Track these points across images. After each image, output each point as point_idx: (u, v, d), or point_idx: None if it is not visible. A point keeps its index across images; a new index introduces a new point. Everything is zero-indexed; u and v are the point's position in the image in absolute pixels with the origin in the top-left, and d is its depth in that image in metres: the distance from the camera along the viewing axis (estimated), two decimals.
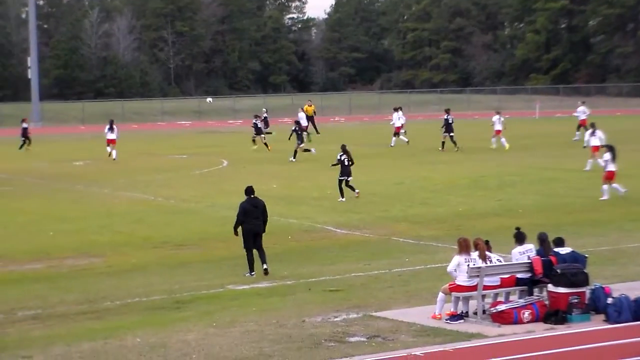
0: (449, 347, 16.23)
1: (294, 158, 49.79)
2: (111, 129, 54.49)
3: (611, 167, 34.34)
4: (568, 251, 19.11)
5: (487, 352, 16.06)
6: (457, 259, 18.57)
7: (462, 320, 18.06)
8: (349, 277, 22.38)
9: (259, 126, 58.57)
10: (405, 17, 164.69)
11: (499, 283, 18.77)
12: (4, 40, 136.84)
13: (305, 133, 57.22)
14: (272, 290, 21.31)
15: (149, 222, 31.01)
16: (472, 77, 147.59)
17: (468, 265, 18.35)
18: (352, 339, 16.84)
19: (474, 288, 18.29)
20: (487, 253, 18.78)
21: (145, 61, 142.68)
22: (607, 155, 34.60)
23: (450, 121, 54.21)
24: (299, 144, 50.90)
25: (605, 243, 25.76)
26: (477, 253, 18.64)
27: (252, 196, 23.26)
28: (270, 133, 63.48)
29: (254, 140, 57.88)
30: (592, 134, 43.26)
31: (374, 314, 18.60)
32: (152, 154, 58.74)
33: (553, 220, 29.24)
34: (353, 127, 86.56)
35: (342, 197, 34.92)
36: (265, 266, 22.96)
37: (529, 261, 18.78)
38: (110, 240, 27.95)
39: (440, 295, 18.38)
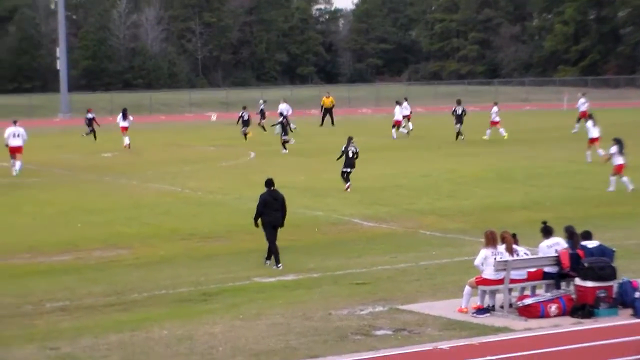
0: (475, 340, 16.22)
1: (286, 150, 50.03)
2: (124, 117, 56.53)
3: (619, 160, 34.13)
4: (595, 245, 19.04)
5: (514, 346, 16.04)
6: (484, 252, 18.54)
7: (488, 314, 18.03)
8: (375, 270, 22.38)
9: (245, 119, 59.41)
10: (433, 8, 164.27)
11: (525, 277, 18.74)
12: (33, 31, 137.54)
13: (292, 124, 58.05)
14: (298, 283, 21.35)
15: (176, 214, 31.09)
16: (500, 69, 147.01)
17: (495, 258, 18.31)
18: (379, 332, 16.86)
19: (500, 281, 18.26)
20: (514, 246, 18.74)
21: (173, 52, 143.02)
22: (614, 148, 34.34)
23: (459, 112, 54.54)
24: (283, 136, 51.09)
25: (633, 236, 25.63)
26: (504, 246, 18.61)
27: (272, 188, 23.28)
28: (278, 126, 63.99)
29: (245, 135, 59.12)
30: (594, 125, 42.94)
31: (400, 307, 18.60)
32: (179, 145, 58.90)
33: (580, 213, 29.12)
34: (380, 119, 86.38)
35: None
36: (269, 262, 23.16)
37: (556, 255, 18.72)
38: (137, 232, 28.05)
39: (467, 288, 18.36)
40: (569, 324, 17.43)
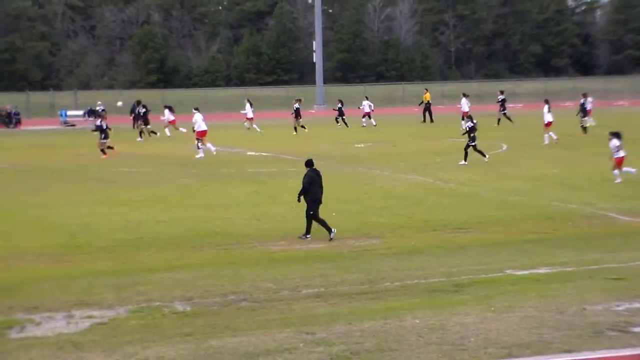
0: None
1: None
2: (171, 111, 62.78)
3: (621, 154, 35.00)
4: None
5: None
6: None
7: None
8: (633, 265, 21.73)
9: (297, 108, 64.18)
10: None
11: None
12: (291, 25, 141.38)
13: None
14: (551, 276, 21.02)
15: (427, 205, 31.20)
16: None
17: None
18: (636, 330, 16.38)
19: None
20: None
21: (426, 45, 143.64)
22: (616, 142, 35.01)
23: (586, 106, 55.66)
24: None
25: None
26: None
27: (314, 167, 26.01)
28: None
29: (295, 128, 63.10)
30: (549, 110, 50.82)
31: None
32: (431, 137, 59.11)
33: None
34: (637, 111, 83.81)
35: (465, 161, 41.94)
36: (309, 237, 25.80)
37: None
38: (389, 222, 28.30)
39: None
40: None
